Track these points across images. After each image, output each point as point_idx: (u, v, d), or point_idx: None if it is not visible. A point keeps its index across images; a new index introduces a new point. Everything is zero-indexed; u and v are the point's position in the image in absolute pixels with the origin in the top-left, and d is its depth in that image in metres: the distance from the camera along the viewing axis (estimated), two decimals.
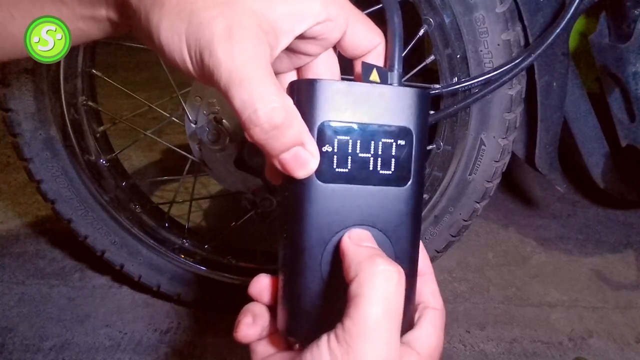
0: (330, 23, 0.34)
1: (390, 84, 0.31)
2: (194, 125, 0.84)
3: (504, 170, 0.85)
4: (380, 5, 0.76)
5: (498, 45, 0.74)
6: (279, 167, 0.30)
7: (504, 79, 0.73)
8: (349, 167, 0.29)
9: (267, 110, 0.28)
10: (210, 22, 0.29)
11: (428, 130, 0.31)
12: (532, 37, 0.76)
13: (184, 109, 0.84)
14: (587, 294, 1.11)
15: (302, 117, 0.29)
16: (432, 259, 0.91)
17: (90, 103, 0.89)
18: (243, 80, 0.28)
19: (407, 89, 0.30)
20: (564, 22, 0.69)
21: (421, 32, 0.79)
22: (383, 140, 0.29)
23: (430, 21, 0.77)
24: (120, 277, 0.98)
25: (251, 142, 0.30)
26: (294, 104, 0.29)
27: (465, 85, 0.75)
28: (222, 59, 0.29)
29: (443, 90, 0.77)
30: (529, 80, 0.80)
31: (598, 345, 0.97)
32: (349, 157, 0.29)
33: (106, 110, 0.92)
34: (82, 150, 0.89)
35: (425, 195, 0.89)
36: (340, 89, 0.29)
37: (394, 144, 0.29)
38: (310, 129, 0.29)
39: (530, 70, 0.78)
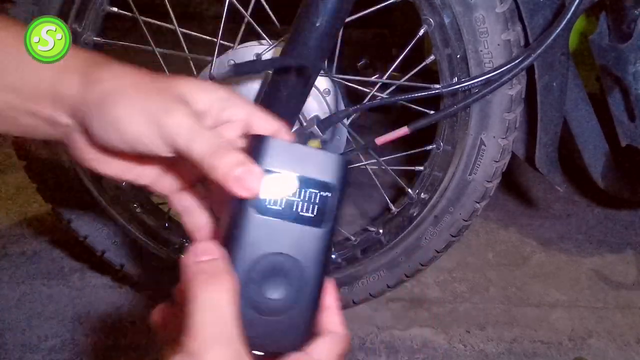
0: (236, 107, 0.42)
1: (325, 150, 0.40)
2: None
3: (504, 170, 0.85)
4: (381, 5, 0.76)
5: (498, 45, 0.74)
6: (227, 185, 0.36)
7: (504, 79, 0.73)
8: (280, 206, 0.37)
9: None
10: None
11: (347, 187, 0.40)
12: (532, 37, 0.76)
13: None
14: (587, 294, 1.11)
15: (251, 157, 0.36)
16: (432, 259, 0.91)
17: None
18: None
19: (337, 156, 0.39)
20: (564, 22, 0.69)
21: (421, 32, 0.79)
22: (310, 189, 0.38)
23: (430, 21, 0.77)
24: (121, 277, 0.98)
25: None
26: (247, 152, 0.37)
27: (465, 85, 0.75)
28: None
29: (443, 90, 0.77)
30: (529, 80, 0.80)
31: (598, 345, 0.97)
32: (283, 198, 0.37)
33: None
34: None
35: (425, 195, 0.89)
36: (286, 146, 0.38)
37: (320, 194, 0.38)
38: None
39: (530, 70, 0.78)
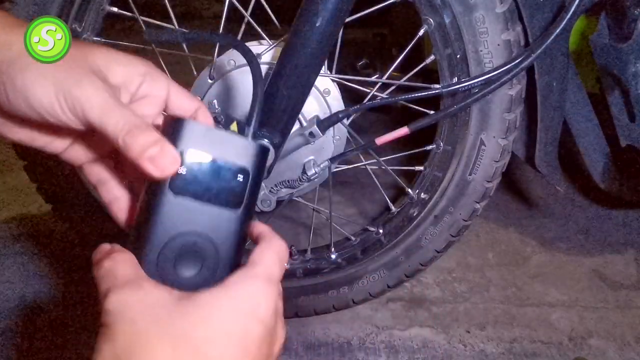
0: (155, 82, 0.42)
1: (242, 135, 0.40)
2: None
3: (504, 170, 0.85)
4: (380, 5, 0.76)
5: (498, 45, 0.74)
6: (140, 165, 0.36)
7: (504, 79, 0.73)
8: (195, 187, 0.38)
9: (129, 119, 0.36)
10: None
11: (263, 174, 0.42)
12: (532, 37, 0.76)
13: None
14: (587, 294, 1.11)
15: (168, 139, 0.37)
16: (432, 259, 0.91)
17: None
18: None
19: (252, 142, 0.40)
20: (564, 22, 0.69)
21: (421, 32, 0.79)
22: (227, 173, 0.39)
23: (430, 21, 0.77)
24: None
25: None
26: (164, 133, 0.38)
27: (465, 85, 0.75)
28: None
29: (443, 90, 0.77)
30: (529, 80, 0.80)
31: (598, 345, 0.97)
32: (199, 180, 0.38)
33: None
34: None
35: (425, 195, 0.89)
36: (204, 130, 0.39)
37: (235, 177, 0.39)
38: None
39: (530, 70, 0.78)
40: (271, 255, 0.40)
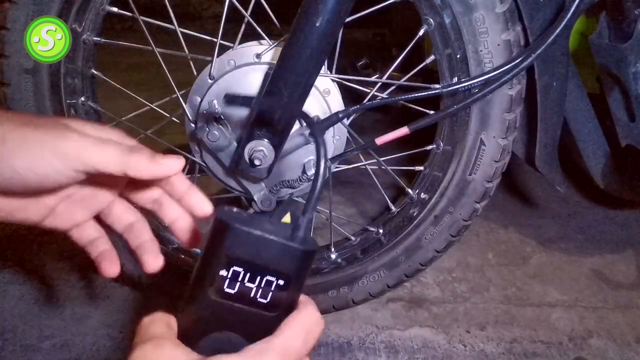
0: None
1: (286, 240, 0.39)
2: (193, 125, 0.84)
3: (504, 170, 0.85)
4: (381, 5, 0.76)
5: (498, 45, 0.74)
6: (153, 172, 0.41)
7: (504, 79, 0.73)
8: (237, 290, 0.39)
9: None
10: None
11: (306, 276, 0.40)
12: (532, 37, 0.76)
13: (184, 109, 0.84)
14: (587, 294, 1.11)
15: (212, 242, 0.39)
16: (432, 259, 0.91)
17: (90, 103, 0.89)
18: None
19: (297, 248, 0.39)
20: (564, 22, 0.69)
21: (421, 32, 0.79)
22: (267, 277, 0.39)
23: (430, 21, 0.77)
24: (121, 276, 0.98)
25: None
26: (210, 233, 0.39)
27: (465, 85, 0.75)
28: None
29: (443, 90, 0.77)
30: (529, 80, 0.80)
31: (598, 345, 0.97)
32: (239, 284, 0.39)
33: (106, 110, 0.92)
34: None
35: (425, 195, 0.89)
36: (249, 235, 0.38)
37: (275, 282, 0.39)
38: (217, 255, 0.39)
39: (530, 70, 0.78)
40: (296, 327, 0.40)
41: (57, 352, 0.90)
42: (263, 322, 0.40)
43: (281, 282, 0.39)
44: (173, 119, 0.89)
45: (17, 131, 0.39)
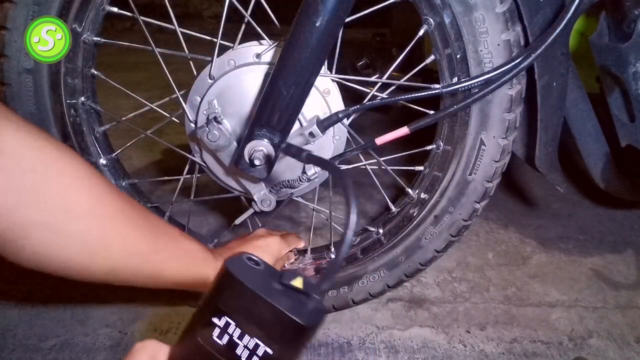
0: None
1: (289, 309, 0.37)
2: (193, 125, 0.84)
3: (504, 170, 0.85)
4: (381, 5, 0.76)
5: (498, 45, 0.74)
6: None
7: (504, 79, 0.73)
8: (224, 342, 0.38)
9: None
10: None
11: (301, 352, 0.39)
12: (532, 37, 0.76)
13: (183, 109, 0.84)
14: (587, 294, 1.11)
15: (216, 288, 0.39)
16: (432, 259, 0.91)
17: (90, 103, 0.89)
18: None
19: (297, 322, 0.37)
20: (564, 22, 0.69)
21: (421, 32, 0.79)
22: (257, 341, 0.37)
23: (430, 21, 0.77)
24: None
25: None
26: (219, 274, 0.39)
27: (465, 85, 0.75)
28: None
29: (443, 90, 0.77)
30: (529, 80, 0.80)
31: (598, 345, 0.97)
32: (227, 336, 0.38)
33: (106, 110, 0.92)
34: (82, 150, 0.89)
35: (425, 195, 0.89)
36: (251, 292, 0.37)
37: (264, 350, 0.37)
38: (215, 303, 0.39)
39: (530, 70, 0.78)
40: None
41: (57, 352, 0.90)
42: None
43: (270, 351, 0.37)
44: (173, 119, 0.89)
45: None
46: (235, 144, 0.79)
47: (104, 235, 0.58)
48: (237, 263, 0.39)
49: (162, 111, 0.89)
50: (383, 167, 0.89)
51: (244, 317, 0.38)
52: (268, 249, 0.86)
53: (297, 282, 0.40)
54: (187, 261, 0.70)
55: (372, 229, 0.96)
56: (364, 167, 0.92)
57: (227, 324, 0.38)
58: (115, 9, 0.82)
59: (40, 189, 0.51)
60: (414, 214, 0.90)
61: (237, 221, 0.95)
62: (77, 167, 0.56)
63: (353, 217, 0.38)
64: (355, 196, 0.39)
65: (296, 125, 0.77)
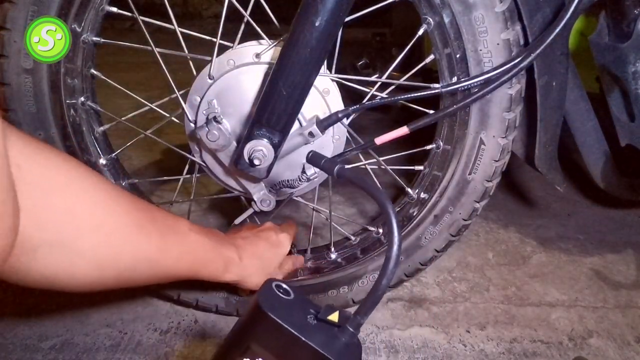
0: None
1: (322, 346, 0.36)
2: (193, 125, 0.84)
3: (503, 170, 0.85)
4: (381, 5, 0.76)
5: (497, 44, 0.74)
6: None
7: (503, 78, 0.73)
8: None
9: None
10: None
11: None
12: (531, 37, 0.76)
13: (183, 108, 0.84)
14: (587, 294, 1.11)
15: (246, 323, 0.37)
16: (432, 259, 0.91)
17: (90, 103, 0.89)
18: None
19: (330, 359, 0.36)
20: (564, 22, 0.69)
21: (421, 31, 0.79)
22: None
23: (430, 20, 0.77)
24: None
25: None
26: (250, 309, 0.37)
27: (465, 85, 0.75)
28: None
29: (443, 89, 0.77)
30: (529, 79, 0.80)
31: (598, 345, 0.97)
32: None
33: (106, 110, 0.92)
34: (82, 150, 0.89)
35: (424, 195, 0.89)
36: (282, 328, 0.36)
37: None
38: (245, 339, 0.37)
39: (529, 69, 0.78)
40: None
41: (57, 352, 0.90)
42: None
43: None
44: (173, 118, 0.89)
45: None
46: (234, 143, 0.79)
47: (113, 246, 0.56)
48: (268, 295, 0.37)
49: (161, 111, 0.89)
50: (383, 167, 0.89)
51: (276, 356, 0.36)
52: (281, 247, 0.86)
53: (333, 317, 0.38)
54: (198, 256, 0.70)
55: (372, 228, 0.96)
56: (363, 167, 0.92)
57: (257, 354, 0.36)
58: (114, 9, 0.82)
59: (49, 206, 0.49)
60: (414, 214, 0.90)
61: (237, 221, 0.95)
62: (82, 178, 0.54)
63: (395, 250, 0.37)
64: (398, 225, 0.39)
65: (296, 125, 0.77)
